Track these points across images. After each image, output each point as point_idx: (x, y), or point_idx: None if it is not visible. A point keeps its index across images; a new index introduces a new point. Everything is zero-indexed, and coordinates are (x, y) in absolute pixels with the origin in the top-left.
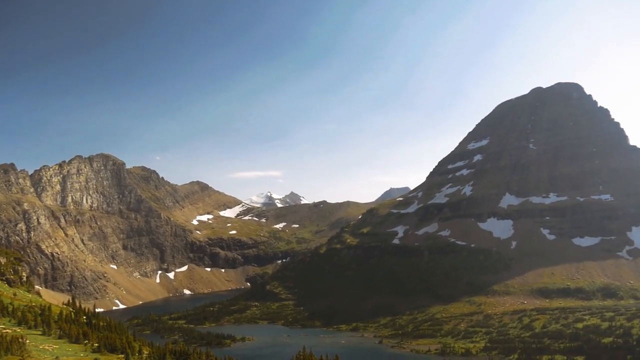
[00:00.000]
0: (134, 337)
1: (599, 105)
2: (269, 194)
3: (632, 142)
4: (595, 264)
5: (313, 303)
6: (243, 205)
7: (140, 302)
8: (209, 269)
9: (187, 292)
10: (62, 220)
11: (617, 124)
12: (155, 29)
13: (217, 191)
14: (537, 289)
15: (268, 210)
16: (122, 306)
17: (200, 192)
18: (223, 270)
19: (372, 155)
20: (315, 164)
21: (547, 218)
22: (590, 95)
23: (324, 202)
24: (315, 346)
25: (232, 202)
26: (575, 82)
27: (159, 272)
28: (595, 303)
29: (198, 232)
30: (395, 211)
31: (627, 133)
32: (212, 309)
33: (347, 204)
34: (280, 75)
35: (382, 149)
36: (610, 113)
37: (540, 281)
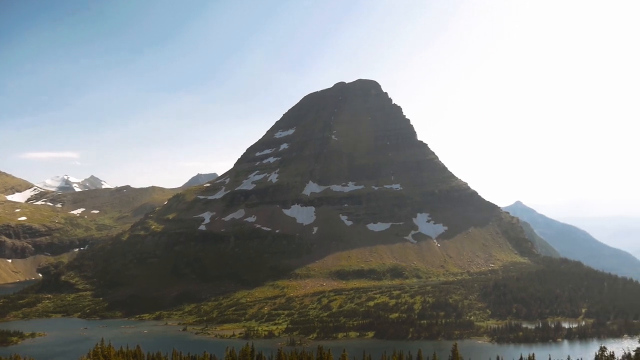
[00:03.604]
0: None
1: (393, 103)
2: (65, 177)
3: (419, 137)
4: (386, 247)
5: (114, 293)
6: (35, 189)
7: None
8: None
9: None
10: None
11: (408, 120)
12: None
13: (4, 172)
14: (335, 271)
15: (64, 195)
16: None
17: None
18: (10, 260)
19: (177, 139)
20: (116, 145)
21: (346, 205)
22: (386, 93)
23: (127, 187)
24: (115, 338)
25: (21, 186)
26: (373, 79)
27: None
28: (385, 283)
29: None
30: (202, 197)
31: (415, 129)
32: None
33: (152, 189)
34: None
35: (188, 133)
36: (403, 110)
37: (338, 264)
